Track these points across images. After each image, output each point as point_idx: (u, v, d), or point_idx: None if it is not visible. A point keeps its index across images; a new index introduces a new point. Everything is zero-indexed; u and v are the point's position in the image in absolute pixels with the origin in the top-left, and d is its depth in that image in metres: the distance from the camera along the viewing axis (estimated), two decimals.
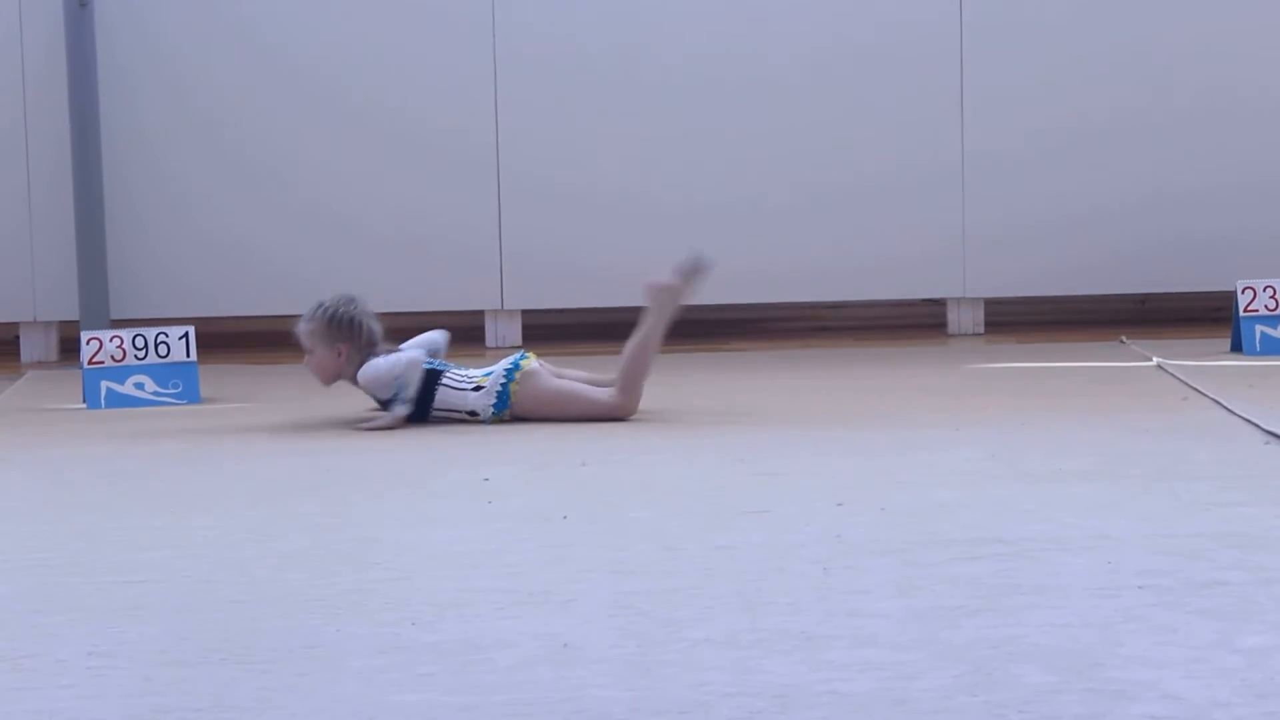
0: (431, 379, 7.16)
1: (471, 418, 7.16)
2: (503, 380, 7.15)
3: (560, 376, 7.24)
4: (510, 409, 7.14)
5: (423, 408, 7.14)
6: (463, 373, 7.21)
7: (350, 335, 7.16)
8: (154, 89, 9.32)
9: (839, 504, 5.55)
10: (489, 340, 9.42)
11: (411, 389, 7.09)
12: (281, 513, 5.68)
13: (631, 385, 7.14)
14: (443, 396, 7.15)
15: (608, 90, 9.43)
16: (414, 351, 7.20)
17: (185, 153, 9.35)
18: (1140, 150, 9.48)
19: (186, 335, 7.95)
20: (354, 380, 7.18)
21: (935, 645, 4.14)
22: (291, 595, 4.68)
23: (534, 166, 9.41)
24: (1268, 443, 6.35)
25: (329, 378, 7.24)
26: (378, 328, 7.22)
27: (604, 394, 7.17)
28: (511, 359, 7.21)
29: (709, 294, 9.49)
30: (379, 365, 7.12)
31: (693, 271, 7.23)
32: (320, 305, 7.21)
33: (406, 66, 9.36)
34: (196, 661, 4.15)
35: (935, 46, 9.41)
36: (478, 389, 7.16)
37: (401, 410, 7.07)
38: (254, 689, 3.95)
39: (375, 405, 7.21)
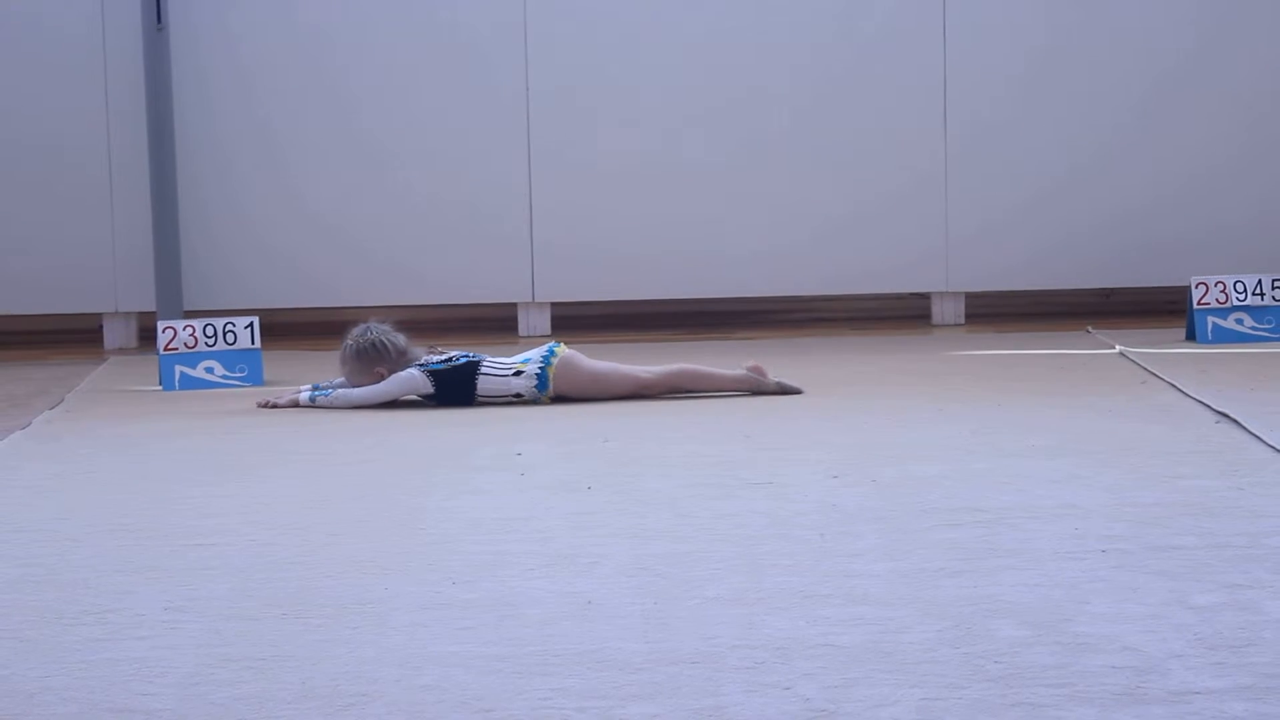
0: (471, 369, 7.15)
1: (518, 399, 7.16)
2: (540, 365, 7.15)
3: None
4: (550, 390, 7.14)
5: (467, 394, 7.14)
6: (501, 361, 7.21)
7: (381, 356, 7.17)
8: (226, 122, 9.32)
9: (834, 476, 5.54)
10: (521, 329, 9.42)
11: (350, 397, 7.17)
12: (335, 483, 5.69)
13: (671, 385, 7.19)
14: (485, 385, 7.14)
15: (628, 118, 9.44)
16: (413, 371, 7.20)
17: (250, 166, 9.36)
18: (1105, 161, 9.47)
19: (251, 325, 7.96)
20: None
21: (920, 603, 4.13)
22: (344, 557, 4.68)
23: (562, 183, 9.42)
24: (1218, 422, 6.34)
25: None
26: (401, 339, 7.23)
27: (642, 372, 7.20)
28: (547, 347, 7.22)
29: (720, 287, 9.56)
30: (399, 379, 7.18)
31: (779, 388, 7.22)
32: (345, 346, 7.23)
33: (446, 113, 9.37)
34: (259, 616, 4.16)
35: (920, 74, 9.40)
36: (518, 374, 7.16)
37: (303, 397, 7.20)
38: (311, 641, 3.95)
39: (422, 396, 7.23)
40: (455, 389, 7.15)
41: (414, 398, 7.21)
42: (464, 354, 7.25)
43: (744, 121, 9.45)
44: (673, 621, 4.03)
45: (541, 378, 7.14)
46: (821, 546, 4.68)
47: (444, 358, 7.24)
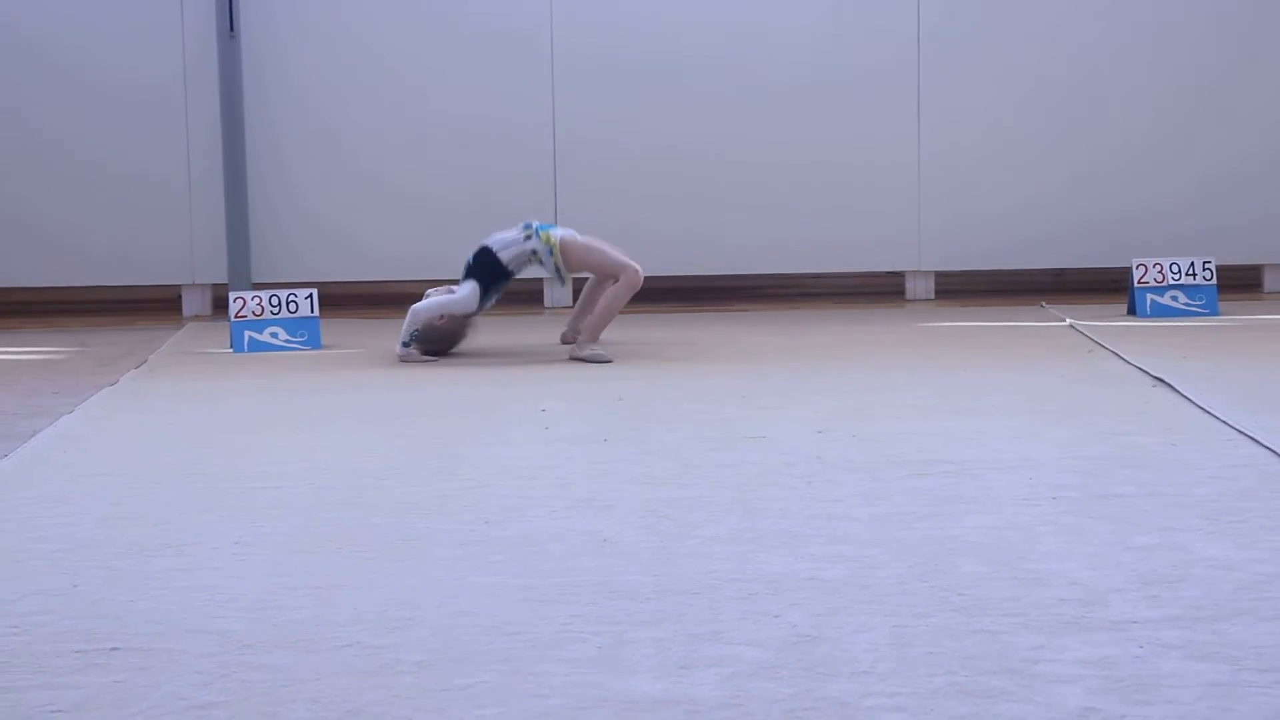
0: (487, 253, 7.45)
1: (533, 257, 7.45)
2: (538, 232, 7.47)
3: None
4: (557, 254, 7.44)
5: (503, 272, 7.44)
6: (502, 236, 7.50)
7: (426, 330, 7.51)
8: (289, 116, 9.30)
9: (819, 431, 5.55)
10: (546, 301, 9.41)
11: (433, 305, 7.42)
12: (384, 434, 5.70)
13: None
14: (508, 257, 7.44)
15: (646, 94, 9.42)
16: (467, 287, 7.47)
17: (306, 157, 9.35)
18: (1059, 154, 9.45)
19: (311, 295, 7.97)
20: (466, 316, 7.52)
21: (894, 543, 4.15)
22: (391, 500, 4.70)
23: (584, 153, 9.41)
24: (1155, 386, 6.34)
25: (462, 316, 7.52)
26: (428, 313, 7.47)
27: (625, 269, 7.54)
28: (535, 225, 7.55)
29: (720, 266, 9.55)
30: (463, 292, 7.46)
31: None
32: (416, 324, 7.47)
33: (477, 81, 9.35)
34: (317, 550, 4.18)
35: (896, 80, 9.38)
36: (527, 238, 7.46)
37: (399, 351, 7.39)
38: (362, 572, 3.97)
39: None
40: (489, 273, 7.42)
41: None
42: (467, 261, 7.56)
43: (748, 121, 9.43)
44: (677, 557, 4.05)
45: (545, 231, 7.46)
46: (808, 493, 4.69)
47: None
